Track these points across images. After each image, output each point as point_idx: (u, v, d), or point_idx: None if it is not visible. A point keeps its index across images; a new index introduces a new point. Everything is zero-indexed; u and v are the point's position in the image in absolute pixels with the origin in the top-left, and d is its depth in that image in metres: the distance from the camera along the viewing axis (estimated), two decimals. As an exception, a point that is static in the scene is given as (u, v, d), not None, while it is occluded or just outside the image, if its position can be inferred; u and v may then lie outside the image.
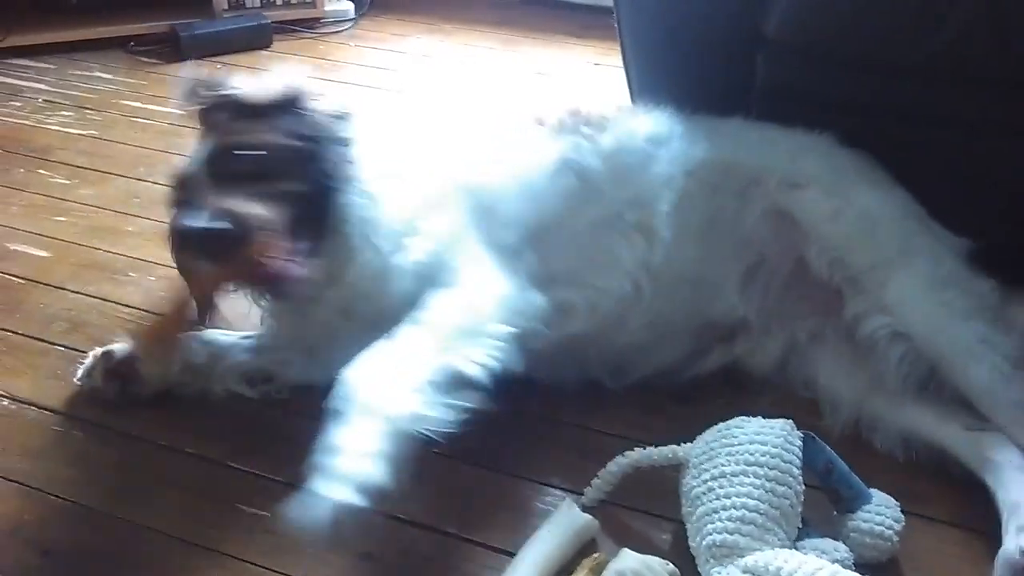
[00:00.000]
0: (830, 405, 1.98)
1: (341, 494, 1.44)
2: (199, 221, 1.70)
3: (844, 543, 1.61)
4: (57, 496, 1.81)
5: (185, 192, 1.85)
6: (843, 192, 1.96)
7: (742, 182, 2.02)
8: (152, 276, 2.46)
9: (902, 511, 1.67)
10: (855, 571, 1.49)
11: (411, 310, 1.75)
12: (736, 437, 1.63)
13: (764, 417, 1.68)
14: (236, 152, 1.81)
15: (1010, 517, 1.65)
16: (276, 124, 1.85)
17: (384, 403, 1.56)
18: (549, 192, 1.98)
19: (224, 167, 1.80)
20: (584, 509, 1.72)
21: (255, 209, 1.73)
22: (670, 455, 1.70)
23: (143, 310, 2.34)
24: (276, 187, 1.78)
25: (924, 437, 1.87)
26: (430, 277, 1.82)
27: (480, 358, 1.67)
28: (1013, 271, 1.92)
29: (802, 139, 2.08)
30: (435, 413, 1.58)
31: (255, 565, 1.67)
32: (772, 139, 2.08)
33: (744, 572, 1.47)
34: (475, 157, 2.00)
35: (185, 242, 1.78)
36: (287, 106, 1.89)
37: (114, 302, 2.36)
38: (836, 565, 1.47)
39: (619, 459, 1.73)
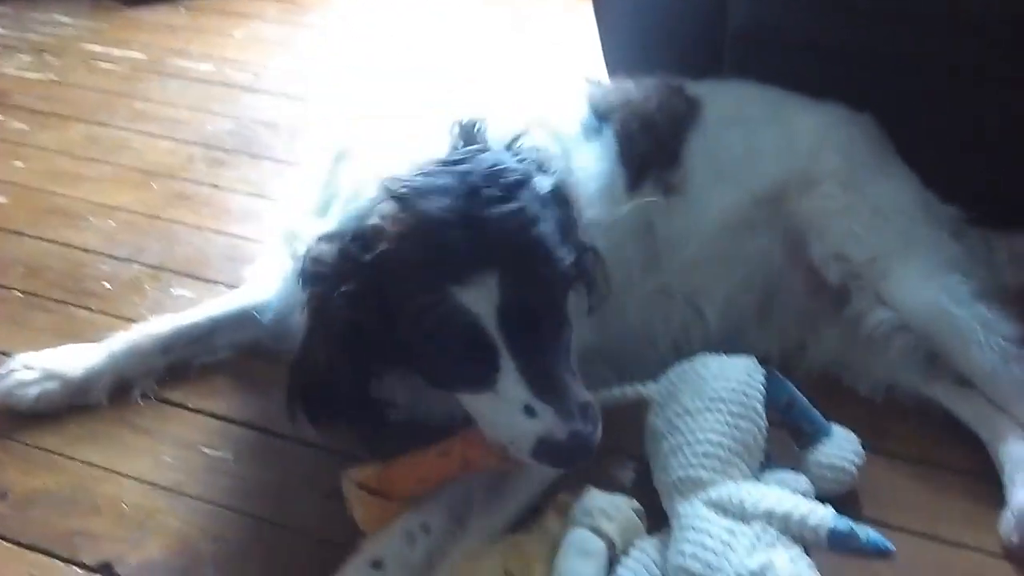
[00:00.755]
0: (808, 351, 1.98)
1: None
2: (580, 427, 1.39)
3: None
4: (16, 440, 1.79)
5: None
6: (857, 185, 1.93)
7: (768, 207, 1.95)
8: (112, 221, 2.43)
9: (863, 446, 1.68)
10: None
11: None
12: (700, 374, 1.63)
13: (728, 355, 1.68)
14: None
15: (1015, 471, 1.66)
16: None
17: None
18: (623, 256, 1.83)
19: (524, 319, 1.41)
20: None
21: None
22: (634, 394, 1.69)
23: (102, 254, 2.30)
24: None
25: (907, 387, 1.88)
26: None
27: None
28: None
29: (820, 119, 2.00)
30: None
31: (221, 507, 1.66)
32: (793, 133, 1.98)
33: (708, 505, 1.48)
34: None
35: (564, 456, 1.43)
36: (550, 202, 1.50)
37: (74, 247, 2.33)
38: (798, 496, 1.48)
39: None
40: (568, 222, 1.53)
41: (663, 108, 1.95)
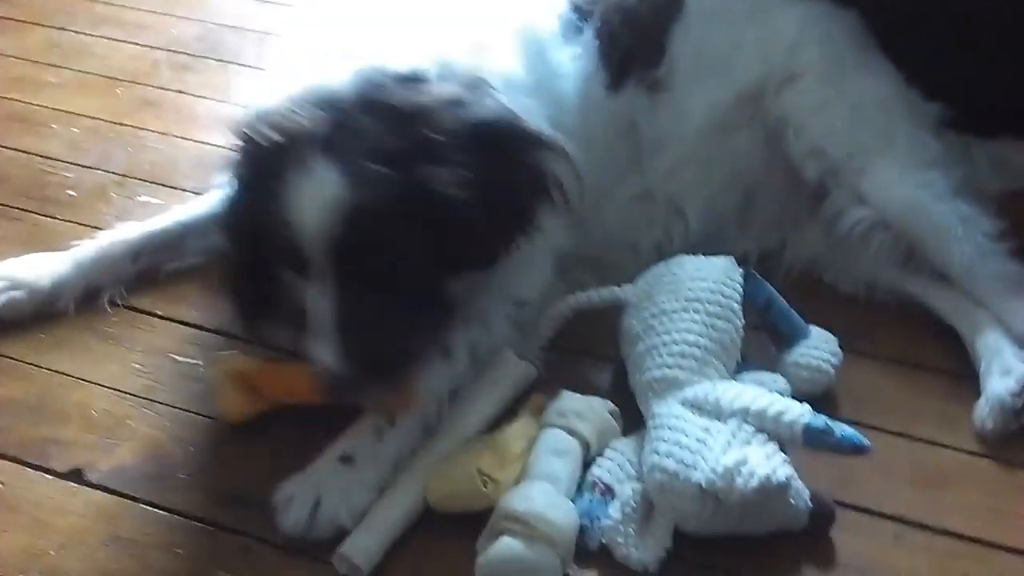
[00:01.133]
0: (786, 252, 1.96)
1: None
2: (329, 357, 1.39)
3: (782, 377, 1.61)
4: (-20, 347, 1.77)
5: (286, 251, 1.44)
6: (836, 79, 1.88)
7: (749, 105, 1.91)
8: (75, 128, 2.36)
9: (840, 347, 1.67)
10: (793, 401, 1.49)
11: None
12: (676, 275, 1.61)
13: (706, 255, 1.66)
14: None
15: (992, 360, 1.67)
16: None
17: None
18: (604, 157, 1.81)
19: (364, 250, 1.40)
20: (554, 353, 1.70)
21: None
22: (610, 296, 1.67)
23: (67, 162, 2.24)
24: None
25: (887, 284, 1.87)
26: None
27: None
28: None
29: (802, 13, 1.94)
30: None
31: (192, 413, 1.65)
32: (773, 27, 1.93)
33: (684, 404, 1.47)
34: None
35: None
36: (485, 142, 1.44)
37: (36, 154, 2.26)
38: (775, 394, 1.48)
39: (559, 304, 1.71)
40: (496, 159, 1.45)
41: (647, 1, 1.89)
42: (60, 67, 2.60)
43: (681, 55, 1.88)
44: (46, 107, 2.43)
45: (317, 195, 1.37)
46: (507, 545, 1.33)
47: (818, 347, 1.65)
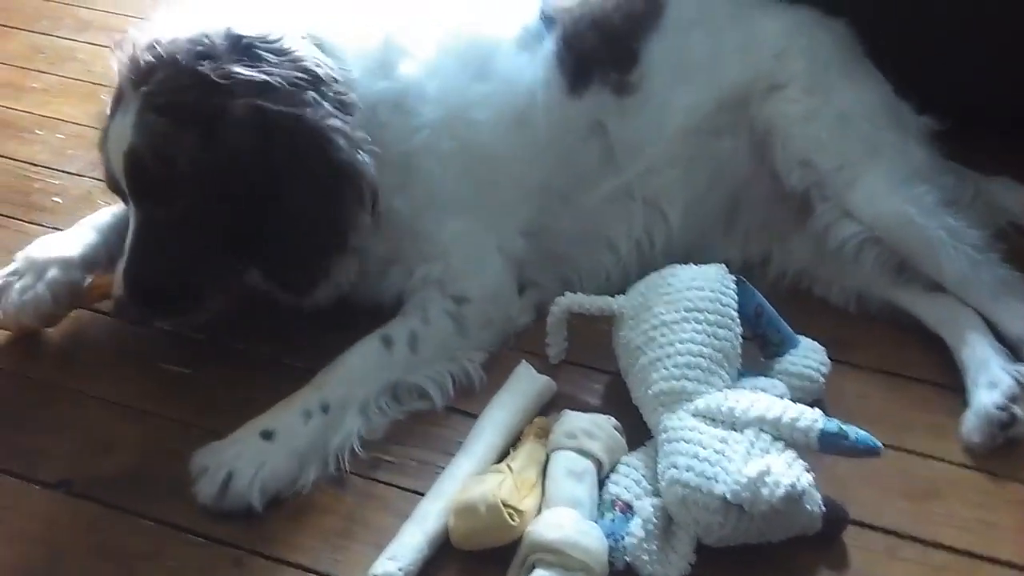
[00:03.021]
0: (773, 262, 1.97)
1: None
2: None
3: (773, 386, 1.62)
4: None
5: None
6: (822, 89, 1.89)
7: (733, 112, 1.92)
8: (60, 134, 2.34)
9: (830, 357, 1.68)
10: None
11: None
12: (672, 285, 1.61)
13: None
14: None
15: (978, 373, 1.68)
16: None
17: None
18: (569, 158, 1.85)
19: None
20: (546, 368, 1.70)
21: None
22: (604, 306, 1.67)
23: (52, 168, 2.22)
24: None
25: (877, 295, 1.88)
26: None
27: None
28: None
29: (787, 22, 1.96)
30: None
31: (180, 422, 1.64)
32: (758, 35, 1.95)
33: (696, 416, 1.47)
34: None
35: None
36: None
37: (21, 160, 2.24)
38: (787, 401, 1.48)
39: (553, 309, 1.71)
40: (278, 155, 1.53)
41: (620, 8, 1.90)
42: (44, 72, 2.58)
43: (656, 61, 1.90)
44: (30, 113, 2.41)
45: (117, 137, 1.57)
46: (545, 577, 1.32)
47: (807, 356, 1.66)
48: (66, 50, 2.68)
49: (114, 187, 1.67)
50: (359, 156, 1.58)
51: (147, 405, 1.66)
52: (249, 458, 1.49)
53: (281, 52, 1.57)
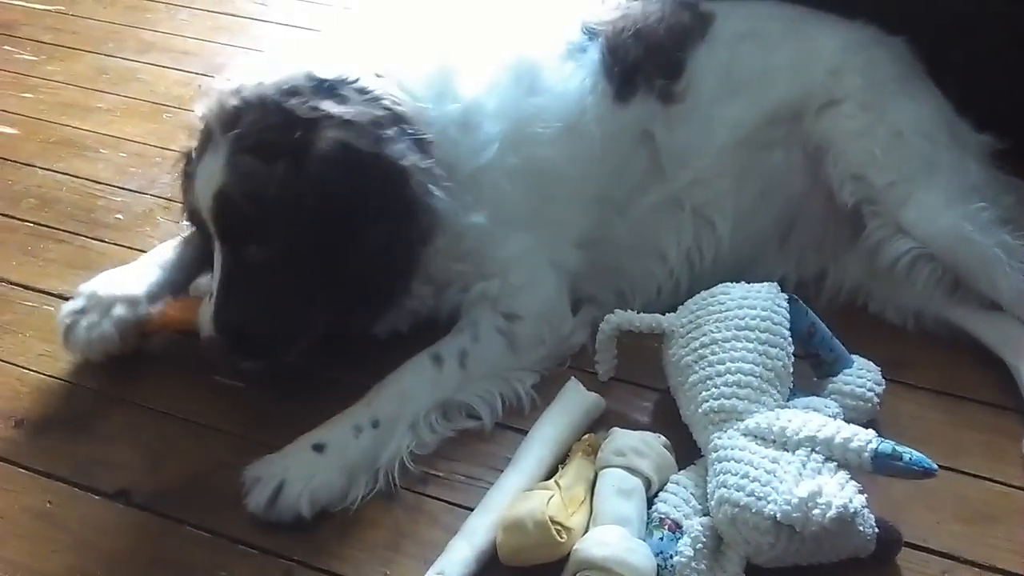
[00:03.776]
0: (828, 279, 1.95)
1: None
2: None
3: (827, 406, 1.60)
4: (27, 369, 1.79)
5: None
6: (878, 106, 1.88)
7: (785, 126, 1.92)
8: (123, 152, 2.40)
9: (884, 377, 1.66)
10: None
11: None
12: (723, 303, 1.61)
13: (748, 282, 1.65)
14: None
15: None
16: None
17: None
18: (621, 167, 1.86)
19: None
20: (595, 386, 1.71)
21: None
22: (653, 324, 1.66)
23: (114, 186, 2.27)
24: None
25: (933, 313, 1.86)
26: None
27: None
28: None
29: (844, 39, 1.95)
30: None
31: (235, 436, 1.66)
32: (813, 51, 1.93)
33: (746, 435, 1.46)
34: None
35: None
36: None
37: (84, 178, 2.30)
38: (839, 421, 1.47)
39: (603, 327, 1.71)
40: (359, 188, 1.56)
41: (666, 21, 1.91)
42: (108, 93, 2.65)
43: (703, 72, 1.90)
44: (94, 132, 2.47)
45: (206, 177, 1.58)
46: (592, 594, 1.32)
47: (861, 376, 1.64)
48: (129, 71, 2.75)
49: (199, 227, 1.71)
50: (435, 194, 1.60)
51: (201, 418, 1.69)
52: (300, 470, 1.52)
53: (362, 91, 1.61)
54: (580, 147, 1.81)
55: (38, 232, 2.13)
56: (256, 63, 1.70)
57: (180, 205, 1.87)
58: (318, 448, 1.55)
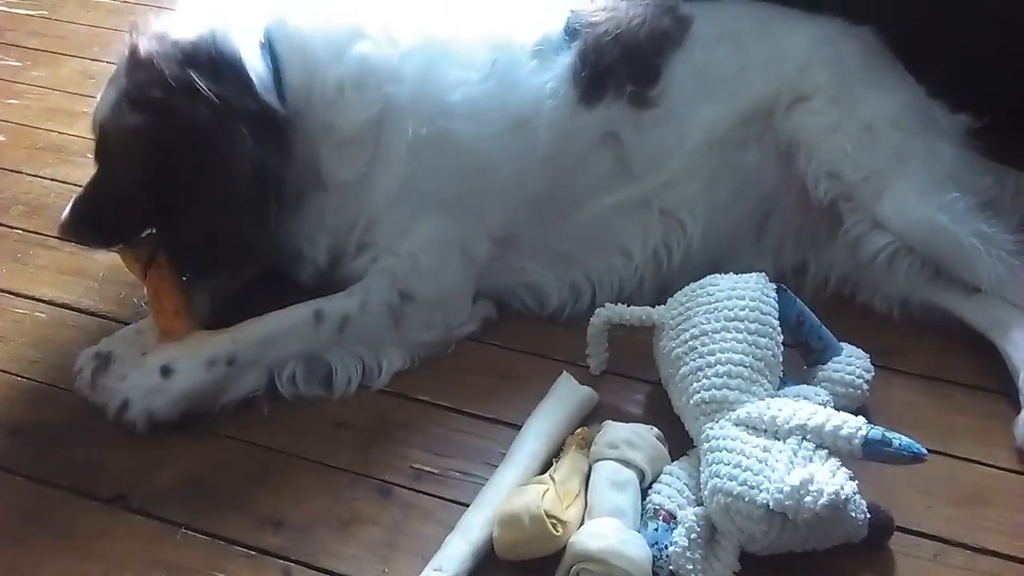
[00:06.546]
0: (812, 270, 1.96)
1: None
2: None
3: (816, 393, 1.61)
4: (23, 377, 1.80)
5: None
6: (847, 99, 1.88)
7: (758, 125, 1.93)
8: (111, 157, 2.39)
9: (874, 364, 1.67)
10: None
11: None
12: (712, 295, 1.62)
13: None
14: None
15: None
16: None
17: None
18: (574, 169, 1.88)
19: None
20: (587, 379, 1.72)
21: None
22: (643, 316, 1.68)
23: (103, 191, 2.27)
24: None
25: (920, 300, 1.87)
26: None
27: None
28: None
29: (811, 35, 1.96)
30: None
31: (231, 438, 1.67)
32: (783, 49, 1.94)
33: (738, 425, 1.47)
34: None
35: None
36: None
37: (73, 184, 2.28)
38: (829, 409, 1.48)
39: (593, 321, 1.72)
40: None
41: (646, 25, 1.91)
42: (93, 97, 2.56)
43: (680, 76, 1.91)
44: (81, 137, 2.45)
45: (99, 104, 1.77)
46: (588, 586, 1.33)
47: (850, 363, 1.65)
48: (115, 75, 2.74)
49: None
50: (268, 161, 1.68)
51: (200, 421, 1.69)
52: (142, 391, 1.64)
53: (233, 63, 1.70)
54: (523, 145, 1.82)
55: (27, 239, 2.13)
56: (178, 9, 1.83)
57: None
58: (165, 372, 1.64)
